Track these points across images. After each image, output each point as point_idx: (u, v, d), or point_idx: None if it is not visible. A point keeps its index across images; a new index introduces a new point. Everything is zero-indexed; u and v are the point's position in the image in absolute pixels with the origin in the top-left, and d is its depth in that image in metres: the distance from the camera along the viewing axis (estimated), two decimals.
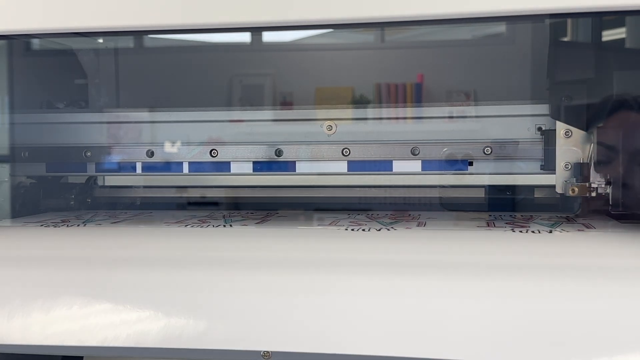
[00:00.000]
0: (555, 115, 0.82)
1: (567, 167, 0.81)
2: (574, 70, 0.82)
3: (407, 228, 0.73)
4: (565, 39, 0.94)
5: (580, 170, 0.80)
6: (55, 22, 0.70)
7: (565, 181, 0.81)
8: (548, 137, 0.83)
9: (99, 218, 0.86)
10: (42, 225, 0.81)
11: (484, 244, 0.68)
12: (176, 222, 0.81)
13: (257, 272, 0.64)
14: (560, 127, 0.82)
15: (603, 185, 0.78)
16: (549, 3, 0.62)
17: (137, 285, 0.64)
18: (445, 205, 0.92)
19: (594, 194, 0.78)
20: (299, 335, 0.58)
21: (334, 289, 0.61)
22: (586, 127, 0.81)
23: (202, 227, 0.78)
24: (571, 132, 0.81)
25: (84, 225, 0.81)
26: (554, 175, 0.83)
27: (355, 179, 0.91)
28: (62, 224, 0.81)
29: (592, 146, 0.80)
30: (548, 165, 0.83)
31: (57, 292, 0.63)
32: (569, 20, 0.93)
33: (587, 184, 0.78)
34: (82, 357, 0.81)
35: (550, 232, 0.69)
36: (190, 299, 0.62)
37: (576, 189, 0.79)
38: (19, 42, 1.02)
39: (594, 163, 0.78)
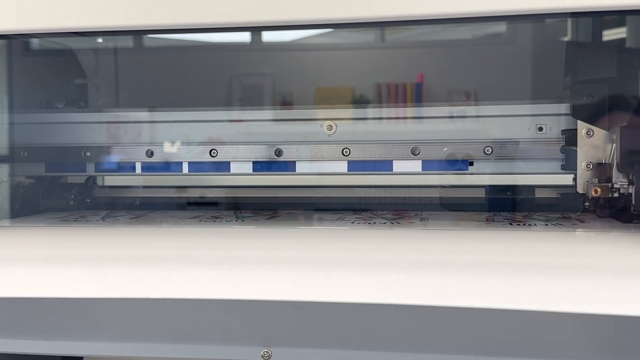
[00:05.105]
0: (577, 114, 0.81)
1: (589, 167, 0.80)
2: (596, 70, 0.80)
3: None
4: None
5: (601, 170, 0.79)
6: (55, 22, 0.70)
7: (587, 181, 0.80)
8: (569, 137, 0.82)
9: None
10: None
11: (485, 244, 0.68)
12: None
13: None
14: (582, 127, 0.80)
15: (626, 186, 0.76)
16: (549, 3, 0.62)
17: (137, 284, 0.64)
18: (446, 205, 0.91)
19: (616, 195, 0.77)
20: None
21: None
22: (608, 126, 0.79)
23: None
24: (592, 132, 0.80)
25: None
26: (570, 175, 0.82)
27: (356, 179, 0.91)
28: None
29: (614, 146, 0.78)
30: (569, 165, 0.83)
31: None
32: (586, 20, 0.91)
33: (609, 184, 0.77)
34: (82, 358, 0.81)
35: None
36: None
37: (599, 190, 0.78)
38: (18, 42, 1.02)
39: (617, 163, 0.76)
